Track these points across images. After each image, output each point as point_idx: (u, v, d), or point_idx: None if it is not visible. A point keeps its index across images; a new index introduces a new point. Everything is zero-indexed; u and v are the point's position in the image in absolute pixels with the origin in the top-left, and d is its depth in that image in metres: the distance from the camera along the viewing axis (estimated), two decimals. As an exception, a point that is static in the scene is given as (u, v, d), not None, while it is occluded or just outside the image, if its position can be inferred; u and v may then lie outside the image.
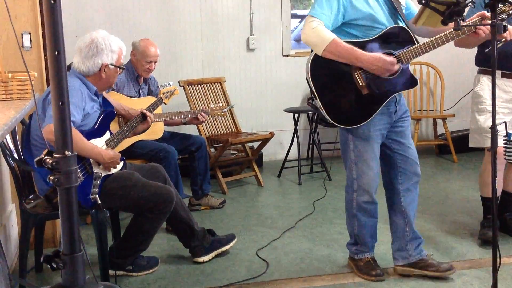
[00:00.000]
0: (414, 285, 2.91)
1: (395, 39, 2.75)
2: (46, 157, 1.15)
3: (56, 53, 1.08)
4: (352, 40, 2.71)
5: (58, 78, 1.09)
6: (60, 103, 1.09)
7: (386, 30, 2.74)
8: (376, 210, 3.00)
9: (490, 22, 2.23)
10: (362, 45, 2.71)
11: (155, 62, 4.09)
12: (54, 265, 1.22)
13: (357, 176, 2.91)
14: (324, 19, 2.65)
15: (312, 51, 2.75)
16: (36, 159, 1.17)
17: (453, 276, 3.00)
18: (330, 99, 2.76)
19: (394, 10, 2.78)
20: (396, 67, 2.70)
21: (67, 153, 1.13)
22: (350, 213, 3.01)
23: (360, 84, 2.74)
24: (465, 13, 2.16)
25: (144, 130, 3.40)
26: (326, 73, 2.75)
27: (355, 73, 2.74)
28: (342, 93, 2.78)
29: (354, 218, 2.99)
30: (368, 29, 2.73)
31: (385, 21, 2.74)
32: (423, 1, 2.19)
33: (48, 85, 3.34)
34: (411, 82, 2.85)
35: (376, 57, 2.67)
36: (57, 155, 1.14)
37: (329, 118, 2.75)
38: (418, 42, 2.75)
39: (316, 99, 2.76)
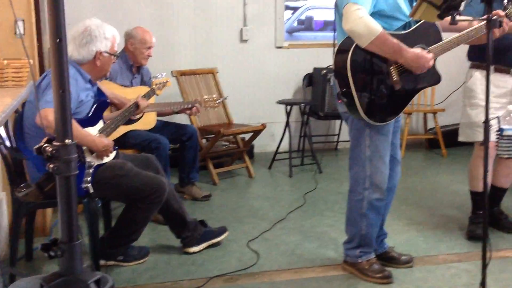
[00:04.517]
0: (402, 278, 2.93)
1: (426, 34, 2.70)
2: (45, 145, 1.15)
3: (58, 40, 1.07)
4: (391, 33, 2.60)
5: (59, 65, 1.08)
6: (61, 91, 1.09)
7: (419, 24, 2.68)
8: (383, 207, 2.92)
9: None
10: (397, 39, 2.59)
11: (152, 48, 4.12)
12: (52, 253, 1.22)
13: (370, 173, 2.79)
14: (367, 7, 2.51)
15: (342, 41, 2.64)
16: (35, 147, 1.17)
17: (442, 269, 3.03)
18: (365, 94, 2.63)
19: (411, 0, 2.73)
20: (431, 63, 2.66)
21: (67, 141, 1.13)
22: (357, 214, 2.87)
23: (395, 79, 2.66)
24: (461, 8, 2.17)
25: (135, 120, 3.39)
26: (364, 66, 2.62)
27: (391, 67, 2.65)
28: (377, 88, 2.66)
29: (363, 218, 2.85)
30: (392, 19, 2.66)
31: (407, 12, 2.68)
32: (420, -6, 2.20)
33: (41, 72, 3.32)
34: (437, 78, 2.84)
35: (419, 54, 2.60)
36: (57, 143, 1.14)
37: (364, 114, 2.63)
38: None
39: (352, 92, 2.60)
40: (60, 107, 1.10)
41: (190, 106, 4.01)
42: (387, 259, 3.07)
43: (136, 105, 3.31)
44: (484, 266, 2.35)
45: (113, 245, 3.04)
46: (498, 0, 2.32)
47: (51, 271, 1.35)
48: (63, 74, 1.09)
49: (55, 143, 1.15)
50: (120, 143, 3.70)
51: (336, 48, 2.72)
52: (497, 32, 2.76)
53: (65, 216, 1.18)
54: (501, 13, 2.74)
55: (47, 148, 1.14)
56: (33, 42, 3.24)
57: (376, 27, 2.51)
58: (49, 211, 3.55)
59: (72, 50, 2.86)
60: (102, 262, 2.94)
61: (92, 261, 2.87)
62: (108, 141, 2.87)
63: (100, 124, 2.94)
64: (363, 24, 2.48)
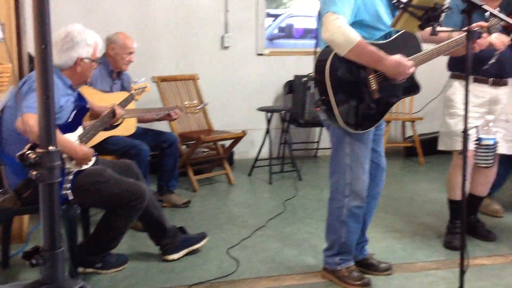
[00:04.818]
0: (381, 285, 2.95)
1: (405, 44, 2.72)
2: (28, 151, 1.13)
3: (43, 46, 1.06)
4: (371, 42, 2.61)
5: (44, 72, 1.07)
6: (45, 97, 1.07)
7: (398, 34, 2.70)
8: (363, 214, 2.93)
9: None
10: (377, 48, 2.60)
11: (133, 53, 4.12)
12: (34, 261, 1.20)
13: (350, 181, 2.81)
14: (347, 16, 2.51)
15: (323, 49, 2.64)
16: (18, 154, 1.15)
17: (420, 277, 3.06)
18: (344, 102, 2.64)
19: (392, 10, 2.73)
20: (411, 70, 2.66)
21: (50, 148, 1.12)
22: (337, 221, 2.88)
23: (374, 87, 2.66)
24: (441, 19, 2.20)
25: (115, 126, 3.37)
26: (343, 74, 2.62)
27: (370, 76, 2.66)
28: (355, 97, 2.67)
29: (343, 225, 2.86)
30: (373, 29, 2.67)
31: (388, 22, 2.68)
32: (401, 6, 2.23)
33: (20, 77, 3.28)
34: (416, 88, 2.86)
35: (398, 61, 2.60)
36: (41, 150, 1.13)
37: (342, 122, 2.63)
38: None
39: (330, 100, 2.60)
40: (44, 114, 1.09)
41: (170, 112, 3.99)
42: (366, 266, 3.09)
43: (113, 113, 3.28)
44: (462, 274, 2.38)
45: (91, 252, 3.01)
46: (478, 12, 2.34)
47: (28, 279, 1.33)
48: (48, 80, 1.07)
49: (38, 150, 1.13)
50: (100, 149, 3.67)
51: (316, 56, 2.74)
52: (477, 47, 2.80)
53: (47, 224, 1.17)
54: (484, 24, 2.77)
55: (30, 155, 1.12)
56: (13, 46, 3.19)
57: (354, 36, 2.52)
58: (26, 217, 3.50)
59: (54, 55, 2.83)
60: (80, 269, 2.91)
61: (70, 269, 2.83)
62: (88, 149, 2.84)
63: (79, 130, 2.92)
64: (341, 33, 2.49)
